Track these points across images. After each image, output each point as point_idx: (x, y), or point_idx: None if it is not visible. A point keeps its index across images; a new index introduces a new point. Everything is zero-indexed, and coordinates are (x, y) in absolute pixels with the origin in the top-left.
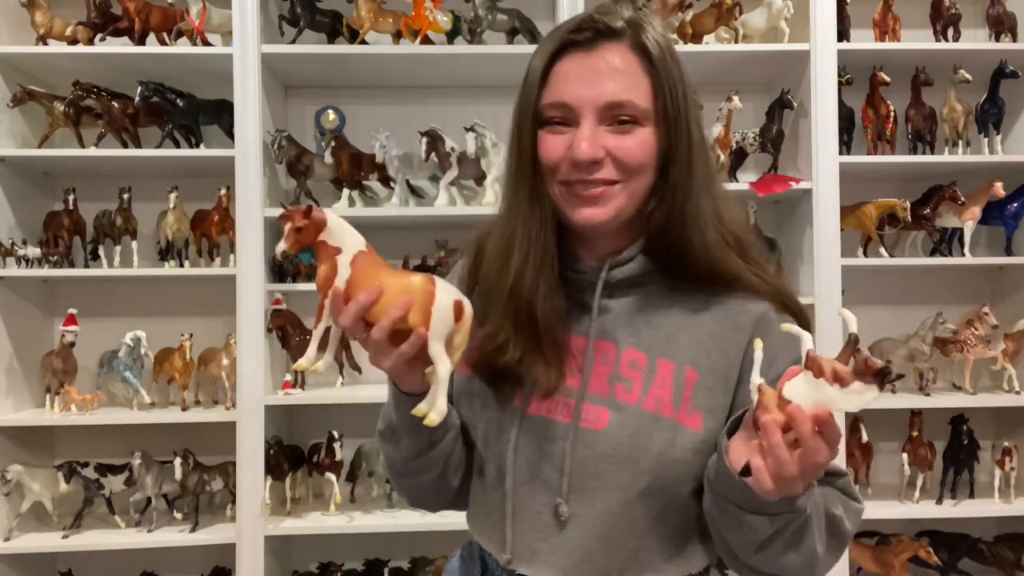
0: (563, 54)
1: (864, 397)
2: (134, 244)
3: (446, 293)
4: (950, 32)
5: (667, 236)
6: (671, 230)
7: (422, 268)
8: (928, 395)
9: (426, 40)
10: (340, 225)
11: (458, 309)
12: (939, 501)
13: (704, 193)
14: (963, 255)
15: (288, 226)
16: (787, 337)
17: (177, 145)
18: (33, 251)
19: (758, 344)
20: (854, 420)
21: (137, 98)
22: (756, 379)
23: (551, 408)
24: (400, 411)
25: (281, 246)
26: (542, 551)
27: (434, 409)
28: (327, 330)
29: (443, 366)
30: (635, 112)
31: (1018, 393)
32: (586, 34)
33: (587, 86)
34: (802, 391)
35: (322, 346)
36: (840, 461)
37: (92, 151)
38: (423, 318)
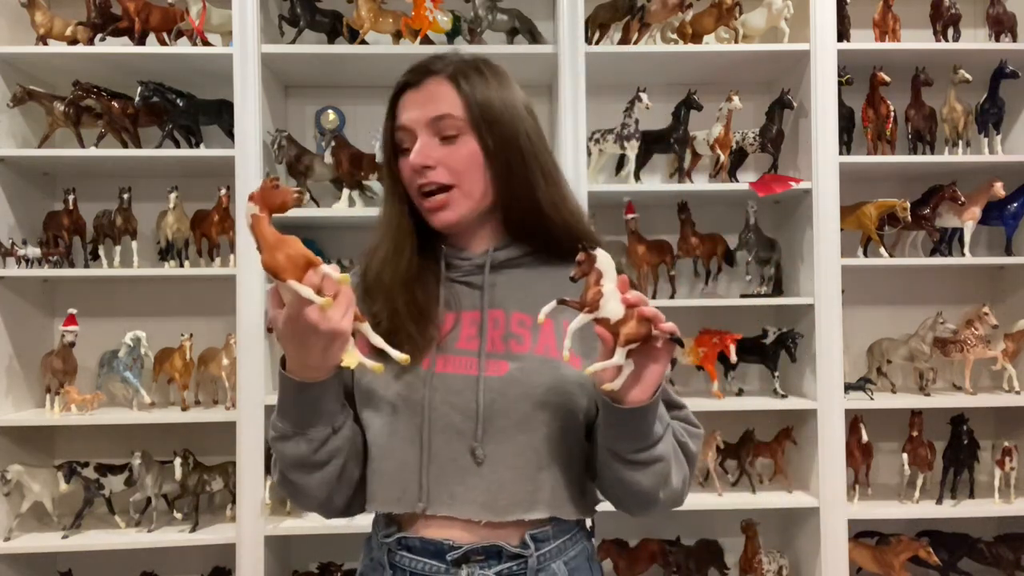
0: (402, 94)
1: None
2: (134, 244)
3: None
4: (950, 32)
5: (527, 224)
6: (529, 218)
7: None
8: (928, 395)
9: (426, 40)
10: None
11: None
12: (939, 501)
13: (550, 183)
14: (963, 255)
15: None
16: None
17: (177, 145)
18: (33, 251)
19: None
20: (854, 420)
21: (137, 98)
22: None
23: (457, 365)
24: (308, 400)
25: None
26: (459, 492)
27: (398, 354)
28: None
29: (366, 326)
30: (455, 123)
31: (1018, 393)
32: (415, 75)
33: (416, 110)
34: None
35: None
36: (840, 461)
37: (92, 151)
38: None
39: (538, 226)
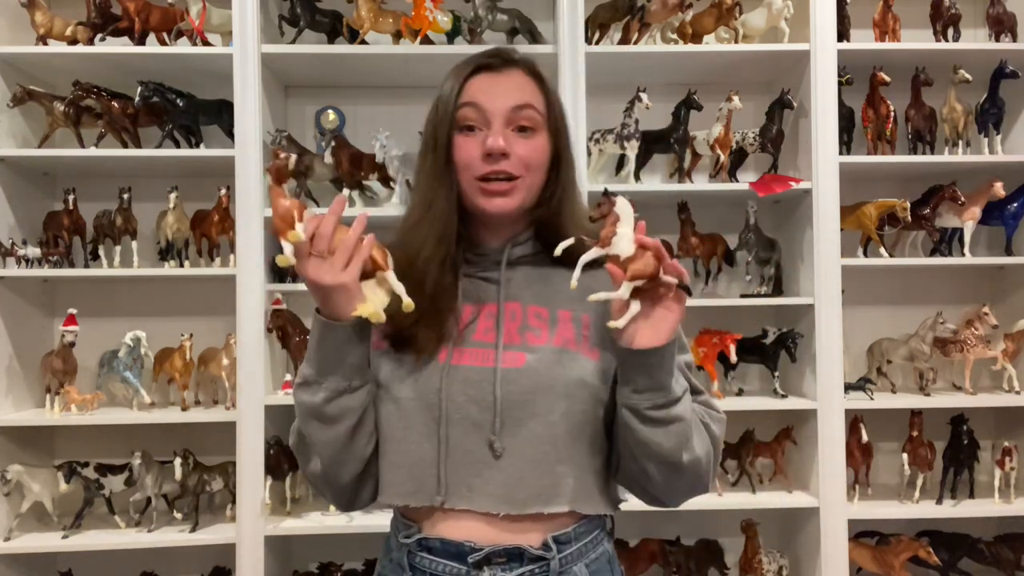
0: (476, 74)
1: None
2: (134, 244)
3: None
4: (950, 32)
5: (551, 226)
6: (554, 221)
7: None
8: (928, 395)
9: (426, 40)
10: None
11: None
12: (939, 501)
13: (571, 191)
14: (963, 255)
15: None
16: None
17: (177, 145)
18: (33, 251)
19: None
20: (854, 420)
21: (137, 98)
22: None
23: (474, 358)
24: (330, 344)
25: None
26: (477, 485)
27: (405, 298)
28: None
29: (390, 275)
30: (535, 117)
31: (1018, 393)
32: (496, 59)
33: (498, 95)
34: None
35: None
36: (840, 461)
37: (92, 151)
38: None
39: (555, 230)
